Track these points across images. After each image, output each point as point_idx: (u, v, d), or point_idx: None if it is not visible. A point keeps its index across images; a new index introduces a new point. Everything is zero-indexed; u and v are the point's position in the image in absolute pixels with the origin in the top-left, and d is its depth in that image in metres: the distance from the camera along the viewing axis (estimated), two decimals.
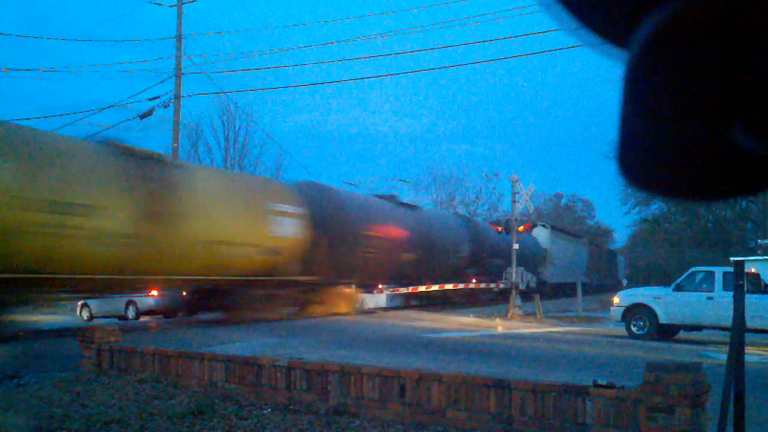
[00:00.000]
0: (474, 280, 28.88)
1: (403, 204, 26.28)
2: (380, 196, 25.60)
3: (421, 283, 24.99)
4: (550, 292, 37.27)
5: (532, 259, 35.77)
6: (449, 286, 26.60)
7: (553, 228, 44.70)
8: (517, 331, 17.67)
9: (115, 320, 20.32)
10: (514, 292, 23.79)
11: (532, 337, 15.85)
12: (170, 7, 25.67)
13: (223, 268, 16.55)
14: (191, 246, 15.21)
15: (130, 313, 21.50)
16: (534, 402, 5.74)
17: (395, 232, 23.59)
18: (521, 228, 25.12)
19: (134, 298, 20.87)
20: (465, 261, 29.20)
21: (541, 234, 40.59)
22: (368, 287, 23.02)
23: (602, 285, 51.54)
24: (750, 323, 9.74)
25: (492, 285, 29.11)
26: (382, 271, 23.01)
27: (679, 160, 0.68)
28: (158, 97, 24.67)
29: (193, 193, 15.55)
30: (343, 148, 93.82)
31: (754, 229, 43.23)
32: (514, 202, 24.97)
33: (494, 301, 29.31)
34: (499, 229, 27.38)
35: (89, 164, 13.42)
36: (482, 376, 6.60)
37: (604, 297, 31.98)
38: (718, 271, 16.14)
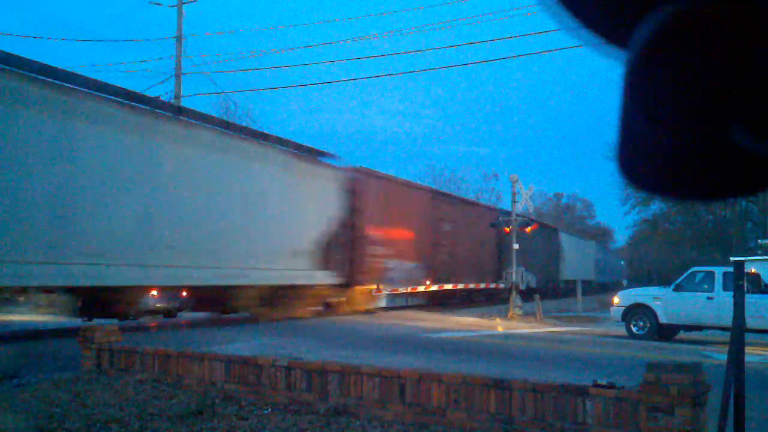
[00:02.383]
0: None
1: None
2: None
3: None
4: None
5: None
6: (449, 286, 26.57)
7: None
8: (517, 331, 17.68)
9: (115, 320, 20.26)
10: (514, 292, 23.79)
11: (532, 337, 15.85)
12: (170, 7, 25.68)
13: None
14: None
15: None
16: (534, 402, 5.73)
17: None
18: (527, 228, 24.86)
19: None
20: None
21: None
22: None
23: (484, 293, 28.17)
24: (750, 323, 9.75)
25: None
26: None
27: (679, 160, 0.68)
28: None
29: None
30: (343, 147, 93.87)
31: (754, 229, 43.23)
32: (514, 202, 24.98)
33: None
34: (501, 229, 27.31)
35: None
36: (482, 376, 6.59)
37: (603, 298, 31.85)
38: (718, 271, 16.14)
